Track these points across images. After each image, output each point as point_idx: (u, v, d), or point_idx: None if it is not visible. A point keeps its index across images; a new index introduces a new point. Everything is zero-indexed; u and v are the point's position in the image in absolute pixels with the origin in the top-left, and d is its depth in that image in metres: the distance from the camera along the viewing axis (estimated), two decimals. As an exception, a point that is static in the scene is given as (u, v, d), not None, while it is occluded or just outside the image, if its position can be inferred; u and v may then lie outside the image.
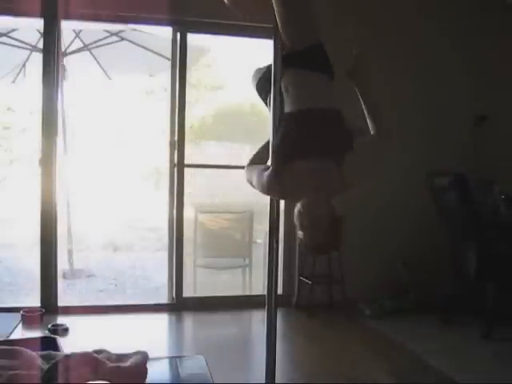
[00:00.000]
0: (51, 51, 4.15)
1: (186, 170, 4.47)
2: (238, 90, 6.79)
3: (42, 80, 4.14)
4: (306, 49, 2.17)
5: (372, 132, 2.15)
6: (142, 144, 10.21)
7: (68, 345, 3.18)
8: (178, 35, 4.35)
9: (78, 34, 5.59)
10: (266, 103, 2.39)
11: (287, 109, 2.17)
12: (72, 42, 5.59)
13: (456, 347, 3.71)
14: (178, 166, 4.41)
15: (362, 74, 2.18)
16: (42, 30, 4.23)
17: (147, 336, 3.74)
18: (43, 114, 4.16)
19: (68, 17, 4.12)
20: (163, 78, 5.94)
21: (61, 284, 4.62)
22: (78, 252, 6.31)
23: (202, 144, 6.90)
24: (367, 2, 4.51)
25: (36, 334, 3.56)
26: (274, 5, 2.10)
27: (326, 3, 4.06)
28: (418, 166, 4.47)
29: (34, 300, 4.26)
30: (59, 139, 4.37)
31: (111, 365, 2.73)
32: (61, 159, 4.75)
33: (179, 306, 4.43)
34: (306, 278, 4.45)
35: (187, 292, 4.58)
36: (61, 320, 3.97)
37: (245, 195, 4.82)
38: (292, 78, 2.17)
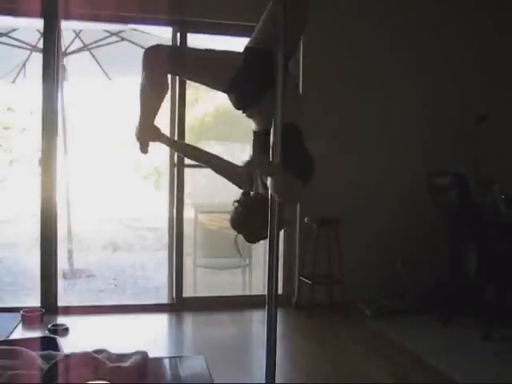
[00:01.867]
0: (51, 51, 4.15)
1: (186, 170, 4.46)
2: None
3: (42, 80, 4.14)
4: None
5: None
6: (142, 144, 10.19)
7: (68, 345, 3.19)
8: (178, 35, 4.35)
9: (78, 34, 5.59)
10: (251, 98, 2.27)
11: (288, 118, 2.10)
12: (72, 42, 5.59)
13: (456, 347, 3.71)
14: (178, 166, 4.41)
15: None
16: (42, 30, 4.23)
17: (147, 336, 3.74)
18: (43, 114, 4.16)
19: (68, 17, 4.13)
20: (163, 77, 5.93)
21: (61, 284, 4.62)
22: (78, 252, 6.31)
23: (202, 144, 6.89)
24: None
25: (36, 333, 3.56)
26: (294, 13, 2.04)
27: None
28: (418, 166, 4.48)
29: (34, 300, 4.26)
30: (59, 139, 4.36)
31: (111, 365, 2.74)
32: (61, 159, 4.75)
33: (179, 306, 4.43)
34: (306, 278, 4.45)
35: (187, 292, 4.58)
36: (61, 320, 3.97)
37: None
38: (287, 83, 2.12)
